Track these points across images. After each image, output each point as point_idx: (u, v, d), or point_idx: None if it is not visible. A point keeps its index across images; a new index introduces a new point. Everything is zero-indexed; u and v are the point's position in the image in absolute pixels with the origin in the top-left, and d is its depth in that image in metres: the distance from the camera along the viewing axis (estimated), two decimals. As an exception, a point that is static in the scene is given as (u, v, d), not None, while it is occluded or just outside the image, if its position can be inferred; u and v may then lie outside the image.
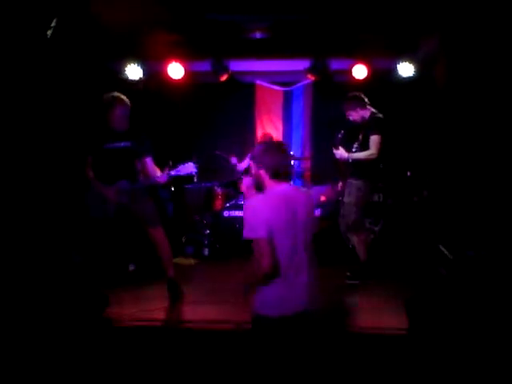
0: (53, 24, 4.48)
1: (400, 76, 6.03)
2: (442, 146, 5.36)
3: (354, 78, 6.14)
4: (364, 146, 4.48)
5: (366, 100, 4.64)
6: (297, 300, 2.36)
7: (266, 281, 2.32)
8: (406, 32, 5.46)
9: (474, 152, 4.64)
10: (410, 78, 6.01)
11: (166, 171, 4.22)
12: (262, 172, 2.49)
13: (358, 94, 4.65)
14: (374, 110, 4.64)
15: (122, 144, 4.25)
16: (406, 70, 5.97)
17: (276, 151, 2.52)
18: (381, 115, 4.60)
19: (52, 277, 3.99)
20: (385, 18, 5.19)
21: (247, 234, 2.38)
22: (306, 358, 2.36)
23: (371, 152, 4.42)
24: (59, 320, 3.21)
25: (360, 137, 4.53)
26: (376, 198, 5.71)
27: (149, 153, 4.31)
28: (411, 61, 5.90)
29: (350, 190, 4.52)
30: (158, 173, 4.30)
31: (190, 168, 4.30)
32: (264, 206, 2.38)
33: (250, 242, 2.39)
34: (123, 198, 4.18)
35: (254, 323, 2.42)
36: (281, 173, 2.49)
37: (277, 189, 2.48)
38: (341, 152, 4.53)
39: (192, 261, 5.72)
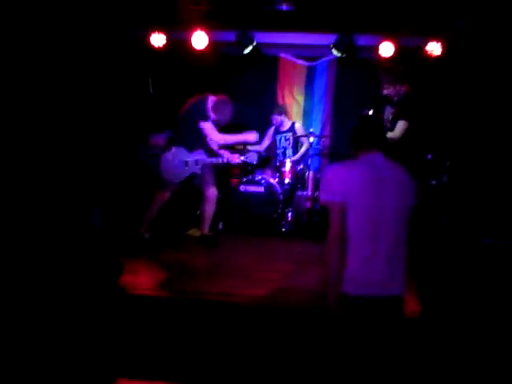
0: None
1: (427, 55, 5.88)
2: (466, 129, 5.26)
3: (379, 55, 6.00)
4: (392, 126, 4.45)
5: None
6: (372, 280, 2.21)
7: (332, 250, 2.24)
8: (436, 11, 5.30)
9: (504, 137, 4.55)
10: (437, 57, 5.87)
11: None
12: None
13: (400, 67, 4.70)
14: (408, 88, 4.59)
15: None
16: (434, 48, 5.82)
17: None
18: (413, 94, 4.57)
19: (71, 239, 4.08)
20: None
21: (322, 196, 2.36)
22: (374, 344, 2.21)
23: (394, 136, 4.39)
24: (74, 284, 3.28)
25: (390, 116, 4.47)
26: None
27: None
28: (440, 40, 5.74)
29: None
30: None
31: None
32: (344, 172, 2.31)
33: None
34: (197, 168, 4.82)
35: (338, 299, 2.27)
36: (362, 141, 2.39)
37: (363, 158, 2.36)
38: None
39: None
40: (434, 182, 5.59)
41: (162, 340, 3.07)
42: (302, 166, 6.16)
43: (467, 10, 5.01)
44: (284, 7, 5.42)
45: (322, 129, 6.89)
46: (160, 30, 6.00)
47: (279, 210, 5.71)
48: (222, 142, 4.98)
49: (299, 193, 6.06)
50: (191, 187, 5.08)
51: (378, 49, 5.95)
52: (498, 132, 4.55)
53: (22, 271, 3.31)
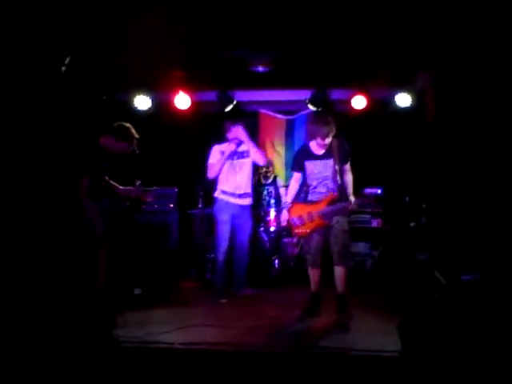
0: (66, 61, 4.80)
1: (398, 106, 6.27)
2: (436, 172, 5.56)
3: (353, 107, 6.38)
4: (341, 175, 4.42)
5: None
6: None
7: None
8: (403, 64, 5.70)
9: (466, 179, 4.83)
10: (407, 108, 6.26)
11: None
12: None
13: (332, 118, 4.40)
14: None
15: None
16: (403, 100, 6.21)
17: None
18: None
19: (63, 295, 4.17)
20: (382, 51, 5.44)
21: None
22: None
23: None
24: (67, 338, 3.37)
25: (336, 167, 4.38)
26: (375, 223, 5.89)
27: None
28: (408, 92, 6.14)
29: (343, 218, 4.41)
30: None
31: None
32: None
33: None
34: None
35: None
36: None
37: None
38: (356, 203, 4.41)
39: (195, 284, 5.89)
40: (413, 224, 5.84)
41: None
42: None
43: (429, 62, 5.41)
44: (260, 69, 5.79)
45: (304, 179, 7.17)
46: (144, 93, 6.35)
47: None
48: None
49: (285, 240, 6.26)
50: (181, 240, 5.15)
51: (351, 102, 6.35)
52: (464, 173, 4.86)
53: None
